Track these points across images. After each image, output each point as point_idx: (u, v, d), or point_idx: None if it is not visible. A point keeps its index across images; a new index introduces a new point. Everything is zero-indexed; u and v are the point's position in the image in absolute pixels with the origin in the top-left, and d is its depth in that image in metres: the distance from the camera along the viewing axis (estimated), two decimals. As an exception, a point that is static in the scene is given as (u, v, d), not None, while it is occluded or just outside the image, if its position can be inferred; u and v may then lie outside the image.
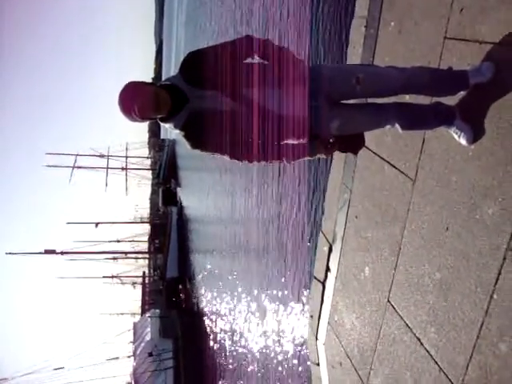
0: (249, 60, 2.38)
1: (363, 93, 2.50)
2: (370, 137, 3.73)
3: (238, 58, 2.33)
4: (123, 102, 2.25)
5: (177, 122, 2.36)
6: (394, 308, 3.23)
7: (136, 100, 2.21)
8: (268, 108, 2.31)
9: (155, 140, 50.81)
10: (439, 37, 2.78)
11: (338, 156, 4.42)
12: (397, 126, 2.55)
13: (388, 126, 2.57)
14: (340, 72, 2.46)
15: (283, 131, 2.37)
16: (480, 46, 2.48)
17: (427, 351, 2.83)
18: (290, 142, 2.44)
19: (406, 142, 3.16)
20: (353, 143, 2.67)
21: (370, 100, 2.73)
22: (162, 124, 2.42)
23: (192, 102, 2.32)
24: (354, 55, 4.03)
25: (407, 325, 3.05)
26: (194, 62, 2.35)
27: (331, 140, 2.50)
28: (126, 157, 41.26)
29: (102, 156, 39.54)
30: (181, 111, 2.33)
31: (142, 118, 2.27)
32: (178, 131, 2.39)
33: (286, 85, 2.31)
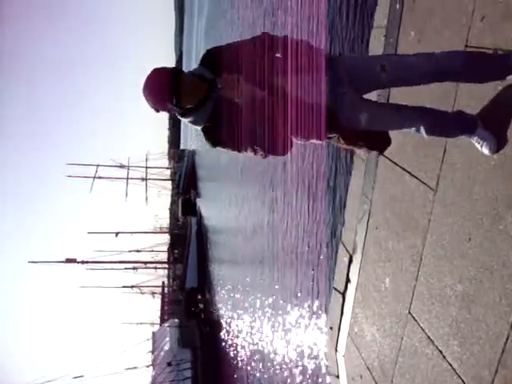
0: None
1: (389, 81, 2.41)
2: (389, 147, 3.71)
3: (259, 54, 2.25)
4: (148, 92, 2.18)
5: (200, 115, 2.28)
6: (416, 320, 3.18)
7: (168, 89, 2.13)
8: (294, 96, 2.24)
9: (175, 150, 51.22)
10: (460, 45, 2.76)
11: (357, 166, 4.40)
12: (422, 129, 2.47)
13: (413, 129, 2.49)
14: (363, 60, 2.45)
15: (310, 119, 2.26)
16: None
17: (450, 365, 2.77)
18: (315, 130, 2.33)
19: (427, 151, 3.13)
20: (379, 141, 2.57)
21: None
22: (182, 119, 2.33)
23: (218, 91, 2.23)
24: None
25: (429, 337, 3.00)
26: (216, 56, 2.29)
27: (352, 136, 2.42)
28: (146, 167, 41.70)
29: (122, 166, 40.02)
30: (206, 103, 2.24)
31: (167, 111, 2.23)
32: (200, 126, 2.31)
33: (309, 74, 2.24)
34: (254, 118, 2.21)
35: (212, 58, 2.30)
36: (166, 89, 2.13)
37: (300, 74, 2.24)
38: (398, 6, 3.63)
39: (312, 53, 2.30)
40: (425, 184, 3.14)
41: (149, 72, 2.22)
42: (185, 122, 2.35)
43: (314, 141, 2.37)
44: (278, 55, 2.28)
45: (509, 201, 2.37)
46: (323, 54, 2.33)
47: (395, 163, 3.57)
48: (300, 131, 2.27)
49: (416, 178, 3.26)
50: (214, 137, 2.30)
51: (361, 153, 2.92)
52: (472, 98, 2.71)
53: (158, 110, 2.27)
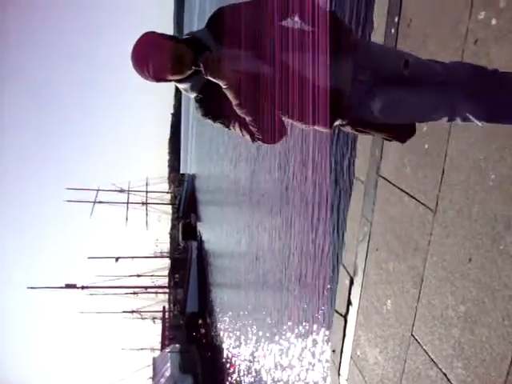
0: (288, 21, 2.06)
1: (410, 79, 2.11)
2: (388, 168, 3.74)
3: (276, 17, 1.99)
4: (136, 57, 1.90)
5: (194, 83, 2.01)
6: (418, 342, 3.15)
7: (152, 57, 1.86)
8: (306, 77, 1.98)
9: (175, 175, 51.39)
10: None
11: (356, 188, 4.41)
12: (471, 118, 2.08)
13: (457, 119, 2.12)
14: (389, 51, 2.22)
15: (319, 104, 1.99)
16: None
17: (454, 387, 2.74)
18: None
19: (426, 172, 3.15)
20: (401, 129, 2.20)
21: None
22: (177, 85, 2.07)
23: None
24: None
25: (432, 359, 2.97)
26: (225, 18, 2.01)
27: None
28: (146, 191, 41.80)
29: (122, 191, 40.14)
30: (198, 74, 1.95)
31: (158, 80, 1.94)
32: (193, 95, 2.06)
33: (329, 52, 1.97)
34: (253, 96, 1.97)
35: (219, 21, 2.02)
36: (147, 58, 1.87)
37: (322, 52, 1.98)
38: (392, 30, 3.69)
39: (342, 30, 2.05)
40: (424, 205, 3.16)
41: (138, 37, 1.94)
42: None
43: (319, 128, 2.12)
44: (298, 24, 2.04)
45: (508, 221, 2.37)
46: (352, 34, 2.11)
47: (394, 185, 3.59)
48: (305, 116, 2.03)
49: (415, 199, 3.28)
50: (207, 107, 2.06)
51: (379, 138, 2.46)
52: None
53: (149, 81, 1.98)
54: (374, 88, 2.06)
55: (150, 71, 1.88)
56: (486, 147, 2.59)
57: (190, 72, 1.93)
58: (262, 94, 1.96)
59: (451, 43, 2.86)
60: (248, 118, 1.99)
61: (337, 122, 2.08)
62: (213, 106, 2.04)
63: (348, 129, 2.15)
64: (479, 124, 2.11)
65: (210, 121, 2.09)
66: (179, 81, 2.01)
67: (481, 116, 2.09)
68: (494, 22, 2.53)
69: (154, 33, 1.93)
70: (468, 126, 2.73)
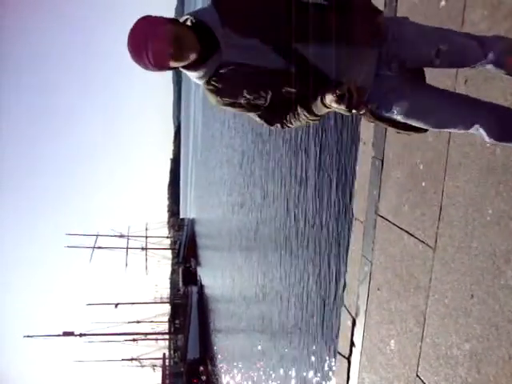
0: None
1: (440, 66, 1.98)
2: (387, 207, 3.75)
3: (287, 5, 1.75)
4: (134, 44, 1.71)
5: (201, 73, 1.83)
6: (424, 383, 3.09)
7: (151, 42, 1.66)
8: (325, 71, 1.79)
9: (175, 219, 51.37)
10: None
11: (356, 228, 4.41)
12: (481, 131, 1.97)
13: (472, 130, 1.99)
14: (423, 35, 1.94)
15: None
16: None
17: (462, 429, 2.67)
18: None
19: (423, 210, 3.17)
20: (415, 127, 2.05)
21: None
22: (182, 70, 1.87)
23: (225, 53, 1.77)
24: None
25: (439, 401, 2.90)
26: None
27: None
28: (146, 236, 41.66)
29: (121, 236, 40.01)
30: (207, 61, 1.78)
31: (160, 68, 1.75)
32: (202, 82, 1.88)
33: (352, 42, 1.79)
34: (266, 87, 1.81)
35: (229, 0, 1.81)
36: (146, 44, 1.68)
37: (347, 41, 1.78)
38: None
39: (369, 12, 1.85)
40: (423, 243, 3.16)
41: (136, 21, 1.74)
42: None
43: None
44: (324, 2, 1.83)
45: (507, 255, 2.37)
46: (381, 17, 1.87)
47: (393, 223, 3.60)
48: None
49: (414, 237, 3.28)
50: (218, 94, 1.88)
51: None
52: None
53: (149, 70, 1.79)
54: (399, 87, 1.91)
55: (150, 58, 1.69)
56: (482, 183, 2.61)
57: (193, 58, 1.76)
58: (274, 88, 1.81)
59: (442, 82, 2.94)
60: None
61: (353, 112, 1.84)
62: (224, 93, 1.87)
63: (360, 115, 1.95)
64: (487, 140, 2.03)
65: (221, 106, 1.94)
66: (185, 68, 1.82)
67: (493, 133, 1.99)
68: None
69: (150, 16, 1.74)
70: (463, 162, 2.78)
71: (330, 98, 1.71)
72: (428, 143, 3.14)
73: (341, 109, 1.72)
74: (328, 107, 1.76)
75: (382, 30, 1.85)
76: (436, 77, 3.00)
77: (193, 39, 1.72)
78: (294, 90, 1.82)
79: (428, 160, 3.16)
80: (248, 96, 1.85)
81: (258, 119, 1.98)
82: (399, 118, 1.96)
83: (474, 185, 2.68)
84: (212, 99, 1.92)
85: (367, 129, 4.18)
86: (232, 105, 1.91)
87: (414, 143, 3.34)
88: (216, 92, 1.87)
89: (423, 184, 3.20)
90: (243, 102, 1.89)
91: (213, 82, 1.84)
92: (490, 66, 1.96)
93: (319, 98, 1.77)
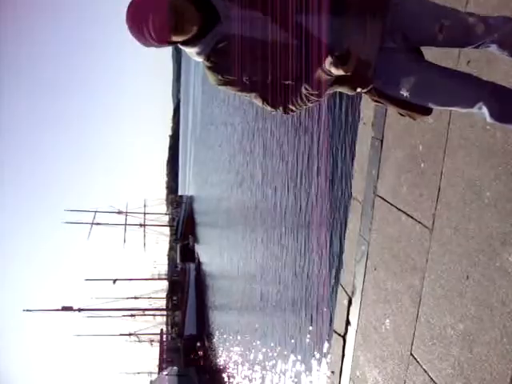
0: None
1: (443, 43, 1.96)
2: (385, 187, 3.76)
3: None
4: (133, 18, 1.67)
5: (201, 47, 1.81)
6: (418, 361, 3.14)
7: (151, 16, 1.62)
8: (327, 43, 1.76)
9: (173, 196, 51.41)
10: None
11: (354, 208, 4.43)
12: (485, 110, 1.92)
13: (475, 109, 1.94)
14: (426, 8, 1.89)
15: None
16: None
17: (454, 407, 2.72)
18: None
19: (422, 191, 3.18)
20: (419, 108, 2.02)
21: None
22: (182, 47, 1.85)
23: (225, 25, 1.75)
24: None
25: (432, 379, 2.95)
26: None
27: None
28: (144, 213, 41.73)
29: (120, 213, 40.07)
30: (207, 35, 1.76)
31: (160, 42, 1.71)
32: (200, 59, 1.86)
33: (355, 11, 1.76)
34: (267, 62, 1.77)
35: None
36: (147, 18, 1.64)
37: (348, 9, 1.75)
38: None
39: None
40: (421, 224, 3.17)
41: None
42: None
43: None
44: None
45: (504, 237, 2.39)
46: None
47: (391, 204, 3.61)
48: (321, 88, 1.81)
49: (412, 218, 3.29)
50: (217, 72, 1.84)
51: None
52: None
53: (150, 45, 1.75)
54: (406, 62, 1.88)
55: (150, 32, 1.65)
56: (482, 165, 2.62)
57: (194, 32, 1.73)
58: (274, 62, 1.76)
59: (445, 62, 2.91)
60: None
61: (358, 90, 1.91)
62: (224, 69, 1.83)
63: (364, 93, 1.98)
64: (488, 121, 1.98)
65: (221, 86, 1.90)
66: (185, 43, 1.80)
67: (495, 114, 1.95)
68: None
69: None
70: (463, 144, 2.77)
71: (328, 61, 1.67)
72: (428, 125, 3.13)
73: (339, 73, 1.68)
74: (328, 74, 1.72)
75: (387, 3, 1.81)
76: (438, 57, 2.98)
77: (194, 12, 1.69)
78: (295, 62, 1.78)
79: (428, 141, 3.16)
80: (248, 71, 1.81)
81: (259, 100, 1.93)
82: (405, 94, 1.91)
83: (473, 167, 2.69)
84: (212, 78, 1.88)
85: (368, 109, 4.16)
86: (232, 83, 1.87)
87: (414, 124, 3.33)
88: (215, 69, 1.83)
89: (422, 165, 3.20)
90: (244, 80, 1.84)
91: (212, 58, 1.81)
92: (493, 47, 1.93)
93: (319, 68, 1.74)
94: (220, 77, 1.85)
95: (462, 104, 1.97)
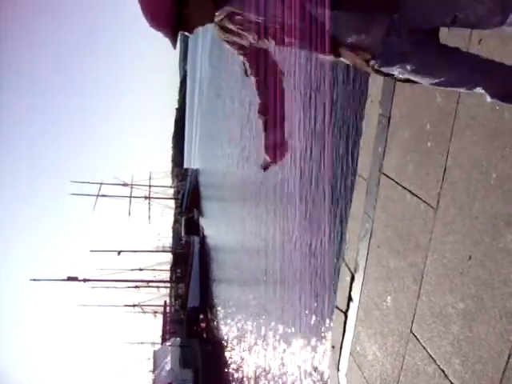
0: None
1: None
2: (391, 166, 3.75)
3: None
4: (150, 10, 1.66)
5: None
6: (417, 339, 3.18)
7: (168, 9, 1.63)
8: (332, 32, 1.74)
9: (178, 169, 51.40)
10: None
11: (359, 185, 4.43)
12: (484, 92, 1.91)
13: (478, 89, 1.91)
14: (440, 4, 1.79)
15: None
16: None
17: (452, 384, 2.77)
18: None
19: (427, 170, 3.17)
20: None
21: None
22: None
23: (234, 3, 1.75)
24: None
25: (431, 356, 3.00)
26: None
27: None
28: (150, 186, 41.81)
29: (125, 185, 40.17)
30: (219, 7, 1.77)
31: (157, 29, 1.72)
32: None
33: (363, 5, 1.71)
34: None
35: None
36: (166, 8, 1.63)
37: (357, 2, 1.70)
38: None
39: None
40: (425, 203, 3.17)
41: None
42: None
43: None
44: None
45: (508, 219, 2.39)
46: None
47: (396, 182, 3.60)
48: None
49: (417, 196, 3.29)
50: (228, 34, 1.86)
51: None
52: None
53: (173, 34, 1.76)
54: (406, 51, 1.81)
55: (146, 15, 1.67)
56: (488, 146, 2.60)
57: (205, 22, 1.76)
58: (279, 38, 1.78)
59: (455, 43, 2.87)
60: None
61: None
62: (233, 33, 1.85)
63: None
64: (490, 100, 1.96)
65: (228, 46, 1.93)
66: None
67: (497, 93, 1.92)
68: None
69: None
70: (470, 124, 2.75)
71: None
72: (436, 104, 3.11)
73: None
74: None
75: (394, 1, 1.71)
76: (452, 40, 2.93)
77: (206, 5, 1.71)
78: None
79: (435, 120, 3.14)
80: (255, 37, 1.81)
81: (251, 36, 1.89)
82: (404, 76, 1.89)
83: (479, 147, 2.67)
84: (221, 35, 1.90)
85: (375, 86, 4.12)
86: (235, 45, 1.90)
87: (422, 103, 3.31)
88: (225, 30, 1.85)
89: (429, 144, 3.19)
90: (252, 40, 1.85)
91: (224, 22, 1.82)
92: (506, 27, 1.90)
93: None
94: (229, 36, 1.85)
95: (461, 86, 1.95)
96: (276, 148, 2.10)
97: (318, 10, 1.71)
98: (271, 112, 2.08)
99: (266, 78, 2.00)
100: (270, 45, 1.87)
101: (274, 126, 2.09)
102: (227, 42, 1.92)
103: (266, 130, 2.10)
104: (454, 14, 1.77)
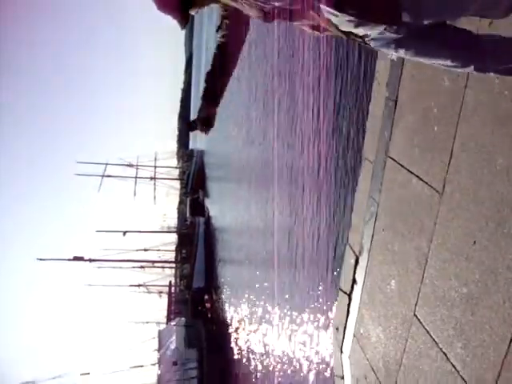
0: None
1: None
2: (397, 149, 3.74)
3: None
4: None
5: None
6: (420, 322, 3.20)
7: None
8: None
9: (184, 150, 51.36)
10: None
11: (365, 168, 4.42)
12: (472, 68, 1.85)
13: (471, 68, 1.87)
14: (448, 5, 1.71)
15: None
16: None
17: (454, 367, 2.79)
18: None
19: (434, 155, 3.16)
20: None
21: None
22: None
23: None
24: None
25: (433, 339, 3.02)
26: None
27: None
28: (155, 166, 41.85)
29: (131, 165, 40.23)
30: None
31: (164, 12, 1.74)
32: None
33: (362, 12, 1.64)
34: None
35: None
36: None
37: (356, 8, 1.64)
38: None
39: None
40: (431, 187, 3.17)
41: None
42: None
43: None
44: None
45: (513, 204, 2.39)
46: None
47: (402, 166, 3.60)
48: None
49: (423, 180, 3.29)
50: None
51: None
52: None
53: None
54: (398, 42, 1.75)
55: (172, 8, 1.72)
56: (496, 131, 2.59)
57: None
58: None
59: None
60: None
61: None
62: None
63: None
64: (491, 74, 1.93)
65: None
66: None
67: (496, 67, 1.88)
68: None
69: None
70: (478, 109, 2.73)
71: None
72: (444, 87, 3.08)
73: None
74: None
75: (397, 12, 1.62)
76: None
77: None
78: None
79: (442, 104, 3.12)
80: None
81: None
82: (394, 58, 1.86)
83: (486, 132, 2.66)
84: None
85: (382, 69, 4.09)
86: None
87: (429, 87, 3.28)
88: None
89: (435, 128, 3.17)
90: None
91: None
92: None
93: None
94: None
95: (463, 65, 1.88)
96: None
97: None
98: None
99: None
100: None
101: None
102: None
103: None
104: (463, 14, 1.76)
